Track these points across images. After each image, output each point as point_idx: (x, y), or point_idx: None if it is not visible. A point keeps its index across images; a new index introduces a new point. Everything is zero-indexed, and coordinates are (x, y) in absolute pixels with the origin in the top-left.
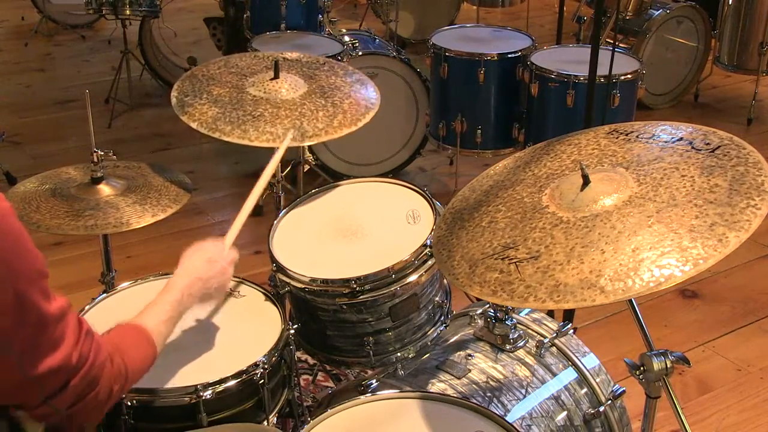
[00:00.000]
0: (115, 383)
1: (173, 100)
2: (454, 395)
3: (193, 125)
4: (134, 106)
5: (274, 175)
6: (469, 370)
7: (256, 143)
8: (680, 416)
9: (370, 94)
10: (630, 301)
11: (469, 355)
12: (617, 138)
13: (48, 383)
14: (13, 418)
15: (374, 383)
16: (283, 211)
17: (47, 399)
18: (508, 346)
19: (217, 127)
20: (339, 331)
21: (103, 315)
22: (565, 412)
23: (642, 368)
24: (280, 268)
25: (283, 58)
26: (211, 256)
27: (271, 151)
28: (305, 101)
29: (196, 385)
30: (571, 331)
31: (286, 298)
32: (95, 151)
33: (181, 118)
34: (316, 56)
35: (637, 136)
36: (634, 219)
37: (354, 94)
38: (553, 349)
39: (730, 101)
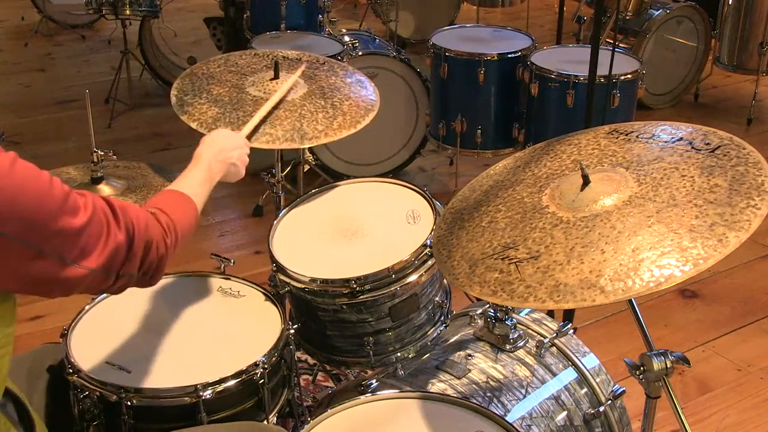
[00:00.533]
0: (167, 236)
1: (173, 99)
2: (454, 395)
3: (193, 125)
4: (134, 106)
5: (273, 175)
6: (469, 370)
7: (255, 145)
8: (680, 416)
9: (369, 95)
10: (630, 301)
11: (469, 355)
12: (617, 138)
13: (112, 265)
14: (19, 401)
15: (374, 383)
16: (283, 211)
17: (119, 274)
18: (508, 346)
19: (217, 128)
20: (339, 331)
21: (103, 315)
22: (565, 412)
23: (642, 368)
24: (280, 268)
25: (283, 57)
26: (228, 133)
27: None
28: (305, 102)
29: (196, 385)
30: (571, 331)
31: (286, 298)
32: (95, 151)
33: (180, 117)
34: (316, 56)
35: (637, 136)
36: (634, 219)
37: (354, 96)
38: (553, 349)
39: (730, 101)
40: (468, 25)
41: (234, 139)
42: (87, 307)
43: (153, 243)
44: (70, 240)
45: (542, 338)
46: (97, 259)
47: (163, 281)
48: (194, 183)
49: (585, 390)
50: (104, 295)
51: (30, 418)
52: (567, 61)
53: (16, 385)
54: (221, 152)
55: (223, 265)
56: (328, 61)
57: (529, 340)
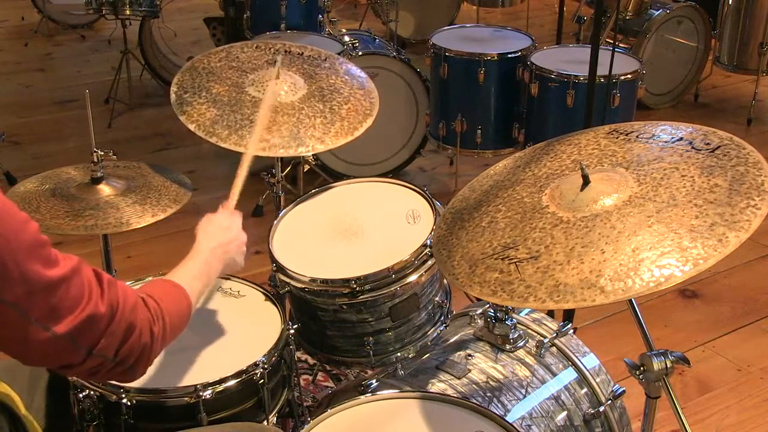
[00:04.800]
0: (153, 324)
1: (172, 96)
2: (454, 395)
3: (191, 127)
4: (134, 106)
5: (273, 175)
6: (469, 370)
7: (251, 151)
8: (680, 416)
9: (369, 97)
10: (630, 301)
11: (469, 355)
12: (617, 138)
13: (83, 337)
14: (13, 412)
15: (374, 383)
16: (283, 211)
17: (91, 351)
18: (508, 346)
19: (215, 131)
20: (339, 331)
21: None
22: (565, 412)
23: (642, 368)
24: (280, 268)
25: (286, 51)
26: (226, 224)
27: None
28: (304, 105)
29: (196, 385)
30: (571, 331)
31: (286, 298)
32: (95, 151)
33: (179, 118)
34: (318, 50)
35: (637, 136)
36: (634, 219)
37: (353, 99)
38: (553, 349)
39: (730, 101)
40: (468, 25)
41: (231, 231)
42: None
43: (136, 328)
44: (38, 294)
45: (542, 338)
46: (67, 324)
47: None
48: (190, 275)
49: (585, 390)
50: None
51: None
52: (567, 61)
53: (15, 391)
54: (219, 247)
55: None
56: (329, 57)
57: (529, 340)
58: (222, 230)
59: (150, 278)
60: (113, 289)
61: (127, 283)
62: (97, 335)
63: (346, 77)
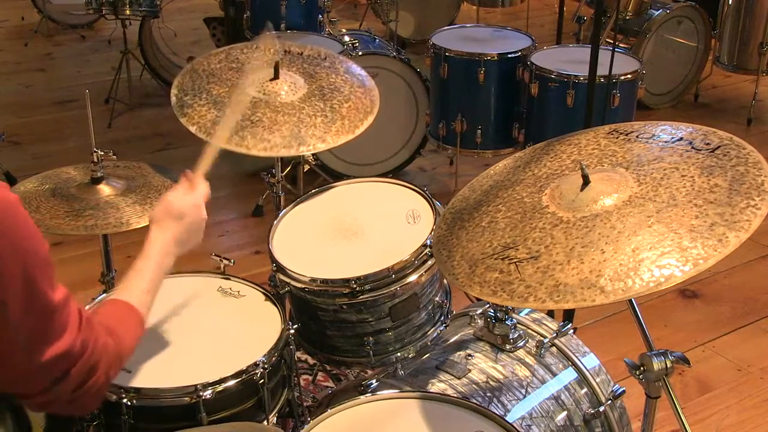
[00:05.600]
0: (111, 368)
1: (173, 99)
2: (454, 395)
3: (192, 129)
4: (134, 106)
5: (273, 175)
6: (469, 370)
7: (253, 152)
8: (680, 416)
9: (370, 95)
10: (630, 301)
11: (469, 355)
12: (617, 138)
13: (53, 370)
14: (17, 406)
15: (374, 383)
16: (283, 211)
17: (54, 385)
18: (508, 346)
19: (215, 132)
20: (339, 331)
21: None
22: (565, 412)
23: (642, 368)
24: (280, 268)
25: (285, 51)
26: (180, 211)
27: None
28: (304, 104)
29: (196, 385)
30: (571, 331)
31: (286, 298)
32: (95, 151)
33: (180, 120)
34: (318, 49)
35: (637, 136)
36: (634, 219)
37: (353, 98)
38: (553, 349)
39: (730, 101)
40: (468, 25)
41: (189, 215)
42: (87, 307)
43: (98, 370)
44: (35, 314)
45: (542, 338)
46: (48, 353)
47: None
48: (142, 290)
49: (585, 390)
50: (104, 294)
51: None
52: (567, 61)
53: None
54: (170, 242)
55: (223, 265)
56: (329, 56)
57: (529, 340)
58: (176, 221)
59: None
60: (89, 328)
61: None
62: (64, 371)
63: (347, 76)
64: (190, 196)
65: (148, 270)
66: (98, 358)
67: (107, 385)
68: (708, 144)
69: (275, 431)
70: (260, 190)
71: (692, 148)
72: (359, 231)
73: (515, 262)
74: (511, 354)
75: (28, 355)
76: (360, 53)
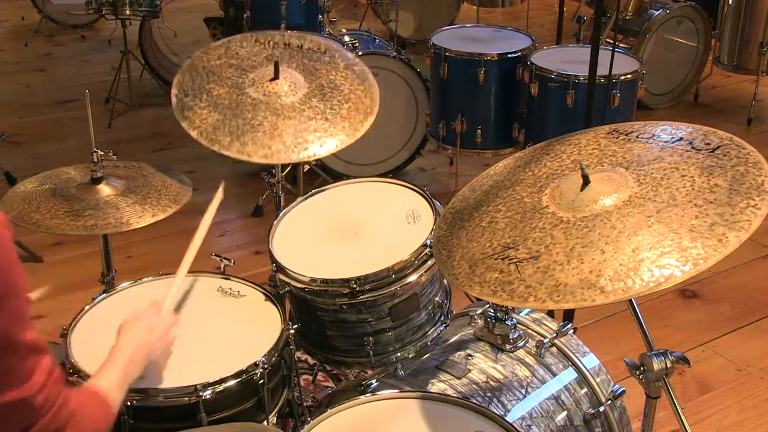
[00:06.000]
0: None
1: (173, 100)
2: (454, 395)
3: (193, 134)
4: (134, 106)
5: (273, 175)
6: (469, 370)
7: (255, 159)
8: (680, 416)
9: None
10: (630, 301)
11: (469, 355)
12: (617, 138)
13: (8, 421)
14: None
15: (374, 383)
16: (283, 211)
17: None
18: (508, 346)
19: (217, 138)
20: (339, 331)
21: (103, 315)
22: (565, 412)
23: (642, 368)
24: (280, 268)
25: (285, 44)
26: (151, 324)
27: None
28: (304, 106)
29: (196, 385)
30: (571, 331)
31: (286, 298)
32: (95, 151)
33: (181, 124)
34: (318, 41)
35: (637, 136)
36: (634, 219)
37: (353, 97)
38: (553, 349)
39: (730, 101)
40: (468, 25)
41: (156, 331)
42: (87, 308)
43: None
44: (3, 351)
45: (542, 338)
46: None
47: (164, 281)
48: (114, 385)
49: (585, 390)
50: (104, 294)
51: None
52: (567, 61)
53: None
54: (140, 350)
55: (223, 265)
56: (329, 50)
57: (529, 340)
58: (147, 333)
59: (151, 277)
60: (57, 387)
61: (126, 283)
62: (22, 426)
63: (347, 71)
64: (160, 318)
65: (117, 369)
66: (64, 423)
67: None
68: (708, 144)
69: (276, 431)
70: (260, 190)
71: (692, 148)
72: (359, 231)
73: (515, 262)
74: (511, 354)
75: None
76: (360, 53)
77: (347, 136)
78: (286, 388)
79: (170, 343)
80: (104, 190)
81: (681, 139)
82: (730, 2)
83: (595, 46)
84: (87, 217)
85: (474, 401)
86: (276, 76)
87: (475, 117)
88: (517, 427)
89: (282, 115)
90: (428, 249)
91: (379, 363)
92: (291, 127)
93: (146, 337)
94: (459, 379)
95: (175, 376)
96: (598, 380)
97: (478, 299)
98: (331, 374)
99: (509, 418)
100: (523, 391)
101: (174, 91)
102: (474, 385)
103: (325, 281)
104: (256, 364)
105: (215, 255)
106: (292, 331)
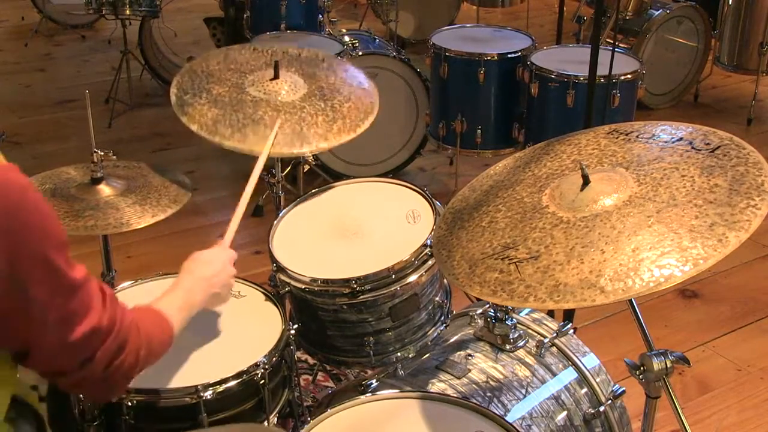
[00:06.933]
0: (140, 348)
1: (173, 98)
2: (454, 395)
3: (194, 128)
4: (134, 106)
5: (273, 175)
6: (469, 370)
7: (256, 149)
8: (680, 416)
9: (369, 95)
10: (630, 301)
11: (469, 355)
12: (617, 138)
13: (84, 347)
14: (38, 416)
15: (374, 383)
16: (283, 211)
17: (84, 363)
18: (508, 346)
19: (217, 130)
20: (339, 331)
21: None
22: (565, 412)
23: (642, 368)
24: (280, 268)
25: (283, 52)
26: (209, 259)
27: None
28: (305, 104)
29: (197, 386)
30: (571, 331)
31: (286, 298)
32: (95, 151)
33: (181, 119)
34: (315, 51)
35: (637, 136)
36: (634, 219)
37: (353, 98)
38: (553, 349)
39: (730, 101)
40: (468, 25)
41: (217, 264)
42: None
43: (127, 348)
44: (60, 295)
45: (542, 338)
46: (77, 333)
47: (163, 281)
48: (173, 306)
49: (585, 390)
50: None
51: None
52: (567, 61)
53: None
54: (203, 280)
55: None
56: (327, 58)
57: (529, 340)
58: (205, 264)
59: (151, 277)
60: (114, 304)
61: (126, 283)
62: (94, 348)
63: (345, 78)
64: (222, 253)
65: (178, 294)
66: (126, 336)
67: (136, 366)
68: (708, 144)
69: (277, 431)
70: (260, 190)
71: (692, 148)
72: (359, 231)
73: (515, 262)
74: (511, 354)
75: (58, 335)
76: (360, 53)
77: (348, 132)
78: (287, 388)
79: (231, 276)
80: (104, 190)
81: (681, 139)
82: (730, 2)
83: (595, 46)
84: (87, 218)
85: (474, 401)
86: (276, 76)
87: (475, 117)
88: (517, 427)
89: (283, 111)
90: (428, 249)
91: (379, 363)
92: (292, 121)
93: (203, 270)
94: (459, 379)
95: (176, 377)
96: (598, 380)
97: (478, 299)
98: (331, 374)
99: (509, 418)
100: (523, 391)
101: (173, 90)
102: (474, 385)
103: (325, 281)
104: (257, 365)
105: None
106: (292, 332)
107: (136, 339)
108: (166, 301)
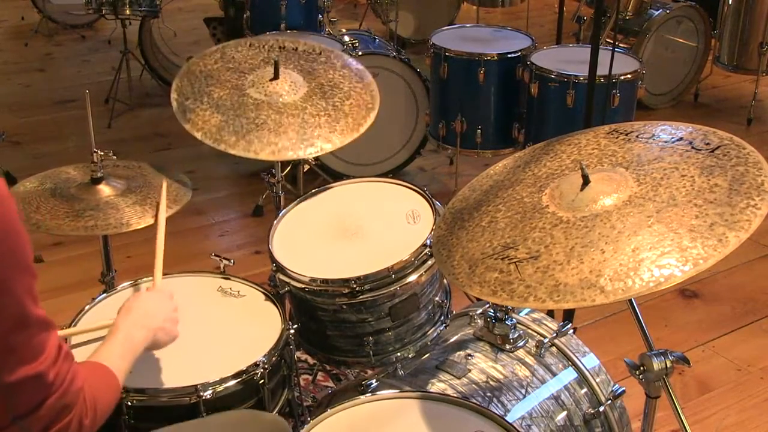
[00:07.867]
0: (85, 417)
1: (174, 104)
2: (454, 395)
3: (198, 135)
4: (134, 106)
5: (273, 175)
6: (469, 370)
7: (261, 156)
8: (680, 416)
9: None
10: (630, 301)
11: (469, 355)
12: (617, 138)
13: (21, 397)
14: None
15: (374, 383)
16: (283, 211)
17: (18, 418)
18: (508, 346)
19: (222, 137)
20: (339, 331)
21: (103, 315)
22: (565, 412)
23: (642, 368)
24: (280, 268)
25: (279, 47)
26: (142, 299)
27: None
28: (306, 104)
29: (197, 385)
30: (571, 331)
31: (286, 298)
32: (95, 151)
33: (184, 126)
34: (312, 44)
35: (637, 136)
36: (634, 219)
37: (354, 94)
38: (553, 349)
39: (730, 101)
40: (468, 25)
41: (151, 302)
42: (87, 307)
43: (71, 413)
44: (12, 328)
45: (542, 338)
46: (17, 374)
47: (164, 281)
48: (114, 355)
49: (585, 390)
50: (104, 294)
51: None
52: (567, 61)
53: None
54: (140, 320)
55: (223, 265)
56: (324, 51)
57: (529, 340)
58: (138, 306)
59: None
60: (67, 363)
61: (125, 283)
62: (33, 404)
63: (344, 71)
64: (153, 291)
65: (117, 340)
66: (74, 399)
67: None
68: (708, 144)
69: (272, 418)
70: (260, 190)
71: (692, 148)
72: (359, 231)
73: (515, 262)
74: (511, 354)
75: None
76: (360, 53)
77: (351, 131)
78: (286, 388)
79: (172, 310)
80: (104, 190)
81: (681, 139)
82: (730, 2)
83: (595, 46)
84: (87, 218)
85: (474, 401)
86: (276, 76)
87: (475, 117)
88: (517, 427)
89: (285, 113)
90: (428, 249)
91: (379, 363)
92: (295, 123)
93: (138, 311)
94: (459, 379)
95: (175, 376)
96: (598, 380)
97: (478, 299)
98: (331, 374)
99: (509, 418)
100: (523, 391)
101: (174, 95)
102: (474, 385)
103: (325, 281)
104: (256, 364)
105: (215, 255)
106: (292, 331)
107: (83, 405)
108: (106, 352)
